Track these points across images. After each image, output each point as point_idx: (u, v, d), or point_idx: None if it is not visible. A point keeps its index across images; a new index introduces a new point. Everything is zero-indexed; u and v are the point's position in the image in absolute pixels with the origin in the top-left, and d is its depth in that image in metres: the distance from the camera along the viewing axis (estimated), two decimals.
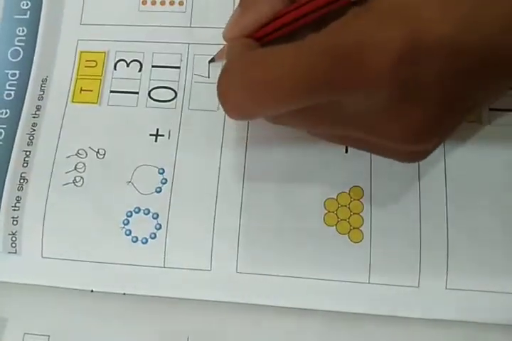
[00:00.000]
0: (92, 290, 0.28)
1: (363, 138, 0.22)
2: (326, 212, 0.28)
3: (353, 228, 0.28)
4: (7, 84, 0.32)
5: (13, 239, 0.29)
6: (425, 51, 0.18)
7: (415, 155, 0.23)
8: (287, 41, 0.21)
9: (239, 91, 0.20)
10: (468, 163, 0.28)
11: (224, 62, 0.25)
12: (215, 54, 0.30)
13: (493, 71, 0.20)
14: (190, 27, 0.31)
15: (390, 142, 0.21)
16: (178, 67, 0.31)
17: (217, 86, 0.21)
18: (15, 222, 0.29)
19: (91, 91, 0.31)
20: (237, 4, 0.25)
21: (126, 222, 0.29)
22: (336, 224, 0.28)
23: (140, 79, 0.31)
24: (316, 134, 0.26)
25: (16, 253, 0.29)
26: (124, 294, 0.28)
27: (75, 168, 0.30)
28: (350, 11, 0.20)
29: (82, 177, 0.30)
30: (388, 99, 0.19)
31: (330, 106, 0.20)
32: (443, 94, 0.19)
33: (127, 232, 0.29)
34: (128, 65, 0.31)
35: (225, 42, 0.25)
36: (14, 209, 0.29)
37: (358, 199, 0.28)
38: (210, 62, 0.30)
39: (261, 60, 0.19)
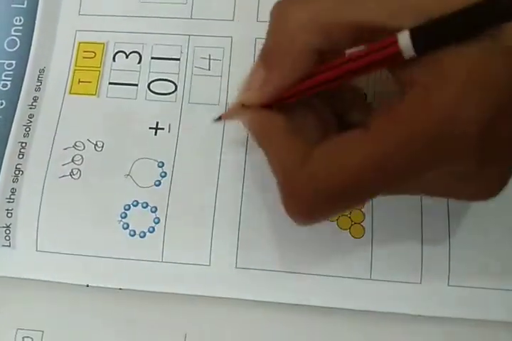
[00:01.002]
0: (87, 285, 0.28)
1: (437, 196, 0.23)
2: None
3: (354, 223, 0.27)
4: (3, 75, 0.31)
5: (7, 231, 0.28)
6: (506, 114, 0.18)
7: None
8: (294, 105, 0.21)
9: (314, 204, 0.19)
10: None
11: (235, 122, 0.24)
12: (222, 113, 0.25)
13: None
14: (191, 18, 0.31)
15: (466, 198, 0.22)
16: (178, 59, 0.30)
17: (284, 195, 0.20)
18: (9, 215, 0.29)
19: (89, 82, 0.31)
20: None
21: (123, 215, 0.28)
22: (337, 220, 0.28)
23: (139, 71, 0.31)
24: None
25: (9, 246, 0.28)
26: (120, 289, 0.28)
27: (72, 160, 0.29)
28: (415, 85, 0.18)
29: (79, 170, 0.29)
30: (471, 164, 0.19)
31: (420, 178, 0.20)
32: None
33: (125, 226, 0.28)
34: (127, 57, 0.31)
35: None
36: (9, 202, 0.29)
37: None
38: (215, 121, 0.25)
39: (346, 152, 0.19)
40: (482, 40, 0.17)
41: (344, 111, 0.24)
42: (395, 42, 0.18)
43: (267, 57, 0.21)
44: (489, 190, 0.21)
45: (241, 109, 0.23)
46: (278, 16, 0.21)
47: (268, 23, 0.21)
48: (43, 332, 0.28)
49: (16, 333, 0.28)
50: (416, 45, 0.17)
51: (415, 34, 0.17)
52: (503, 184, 0.21)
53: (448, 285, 0.26)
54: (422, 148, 0.18)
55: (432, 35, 0.17)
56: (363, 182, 0.19)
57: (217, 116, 0.25)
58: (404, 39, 0.17)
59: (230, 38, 0.30)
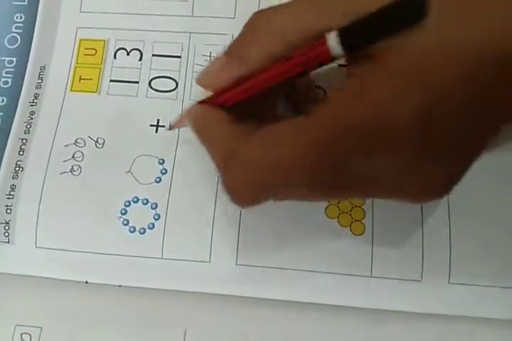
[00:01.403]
0: (86, 282, 0.27)
1: (378, 196, 0.22)
2: (328, 204, 0.28)
3: (355, 220, 0.27)
4: (4, 72, 0.31)
5: (6, 227, 0.28)
6: (447, 113, 0.18)
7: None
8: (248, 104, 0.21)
9: (256, 176, 0.19)
10: None
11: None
12: (173, 122, 0.28)
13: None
14: (192, 16, 0.31)
15: (408, 198, 0.21)
16: (179, 57, 0.30)
17: (224, 178, 0.20)
18: (9, 211, 0.28)
19: (90, 80, 0.31)
20: None
21: (123, 211, 0.28)
22: (337, 217, 0.27)
23: (140, 68, 0.31)
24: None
25: (8, 242, 0.28)
26: (120, 286, 0.27)
27: (73, 157, 0.29)
28: (353, 79, 0.19)
29: (79, 166, 0.29)
30: (406, 161, 0.19)
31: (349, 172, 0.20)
32: (466, 147, 0.19)
33: (125, 222, 0.28)
34: (128, 54, 0.31)
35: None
36: (8, 198, 0.29)
37: None
38: (169, 129, 0.29)
39: (275, 140, 0.19)
40: (417, 34, 0.17)
41: (299, 103, 0.25)
42: (325, 42, 0.19)
43: (232, 47, 0.22)
44: (430, 189, 0.20)
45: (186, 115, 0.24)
46: (254, 19, 0.22)
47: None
48: (41, 328, 0.27)
49: (15, 329, 0.27)
50: (344, 44, 0.18)
51: (342, 34, 0.18)
52: (446, 184, 0.20)
53: (448, 282, 0.26)
54: (353, 139, 0.18)
55: (358, 34, 0.18)
56: (294, 167, 0.19)
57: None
58: (332, 39, 0.18)
59: (231, 36, 0.30)
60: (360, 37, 0.18)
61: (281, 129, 0.19)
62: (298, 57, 0.20)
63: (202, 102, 0.23)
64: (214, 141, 0.22)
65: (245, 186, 0.20)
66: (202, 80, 0.23)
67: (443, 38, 0.17)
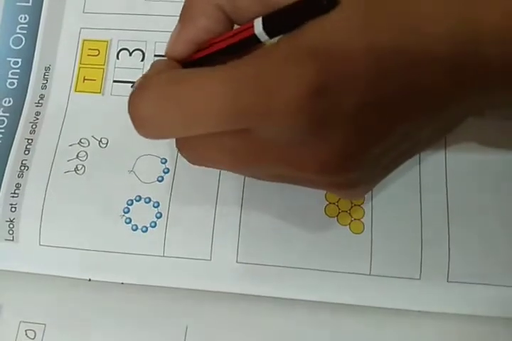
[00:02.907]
0: (89, 279, 0.28)
1: (286, 173, 0.22)
2: (327, 203, 0.28)
3: (354, 219, 0.28)
4: (10, 73, 0.31)
5: (11, 226, 0.29)
6: (336, 86, 0.18)
7: (342, 188, 0.22)
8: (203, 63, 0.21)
9: (151, 108, 0.19)
10: (468, 156, 0.28)
11: None
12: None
13: (419, 98, 0.19)
14: None
15: (306, 173, 0.21)
16: None
17: (129, 100, 0.20)
18: (13, 209, 0.29)
19: (94, 80, 0.31)
20: None
21: (126, 210, 0.29)
22: (337, 216, 0.28)
23: (143, 68, 0.31)
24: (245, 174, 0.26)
25: (13, 240, 0.29)
26: (122, 283, 0.28)
27: (77, 156, 0.30)
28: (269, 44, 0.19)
29: (83, 166, 0.30)
30: (299, 132, 0.19)
31: (246, 138, 0.20)
32: (355, 127, 0.19)
33: (127, 220, 0.28)
34: (130, 54, 0.31)
35: None
36: (13, 196, 0.29)
37: None
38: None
39: (177, 82, 0.19)
40: (334, 16, 0.18)
41: None
42: (252, 26, 0.20)
43: (183, 10, 0.23)
44: (322, 167, 0.20)
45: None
46: None
47: None
48: (45, 325, 0.28)
49: (19, 326, 0.28)
50: (267, 30, 0.19)
51: (265, 21, 0.19)
52: (337, 162, 0.19)
53: (447, 281, 0.26)
54: (246, 94, 0.18)
55: (278, 22, 0.19)
56: (197, 105, 0.18)
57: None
58: (257, 26, 0.20)
59: None
60: (280, 24, 0.19)
61: (190, 73, 0.19)
62: (229, 33, 0.21)
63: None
64: (150, 70, 0.22)
65: (142, 115, 0.20)
66: (170, 52, 0.23)
67: (359, 28, 0.18)
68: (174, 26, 0.23)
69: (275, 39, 0.20)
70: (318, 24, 0.18)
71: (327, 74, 0.17)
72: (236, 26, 0.22)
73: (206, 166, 0.23)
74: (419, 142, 0.22)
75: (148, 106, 0.19)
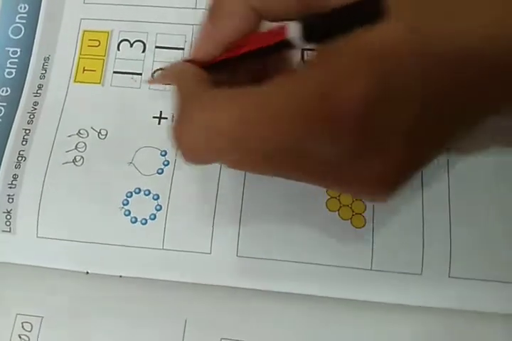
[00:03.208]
0: (87, 272, 0.28)
1: (327, 185, 0.22)
2: (329, 197, 0.28)
3: (356, 213, 0.27)
4: (8, 62, 0.31)
5: (8, 217, 0.28)
6: (395, 96, 0.17)
7: (381, 199, 0.22)
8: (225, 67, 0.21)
9: (196, 137, 0.19)
10: (470, 154, 0.28)
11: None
12: (153, 77, 0.30)
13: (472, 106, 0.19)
14: (195, 8, 0.31)
15: (353, 189, 0.20)
16: (183, 49, 0.31)
17: (173, 126, 0.20)
18: (10, 200, 0.29)
19: (94, 71, 0.31)
20: None
21: (125, 202, 0.28)
22: (338, 210, 0.28)
23: (143, 60, 0.31)
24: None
25: (10, 232, 0.28)
26: (121, 276, 0.28)
27: (76, 148, 0.29)
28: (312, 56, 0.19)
29: (82, 157, 0.29)
30: (351, 150, 0.18)
31: (289, 155, 0.19)
32: (415, 139, 0.18)
33: (126, 213, 0.28)
34: (131, 46, 0.31)
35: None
36: (10, 187, 0.29)
37: None
38: (148, 82, 0.30)
39: (222, 105, 0.19)
40: (381, 27, 0.17)
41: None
42: (285, 30, 0.19)
43: (211, 10, 0.22)
44: (367, 183, 0.19)
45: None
46: None
47: None
48: (42, 317, 0.28)
49: (16, 318, 0.28)
50: (305, 38, 0.19)
51: (304, 27, 0.19)
52: (383, 179, 0.19)
53: (449, 276, 0.26)
54: (297, 114, 0.17)
55: (319, 29, 0.19)
56: (228, 135, 0.18)
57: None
58: (293, 30, 0.19)
59: None
60: (321, 33, 0.18)
61: (222, 95, 0.19)
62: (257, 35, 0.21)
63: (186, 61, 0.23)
64: (181, 91, 0.21)
65: (186, 142, 0.20)
66: (197, 53, 0.23)
67: (409, 35, 0.17)
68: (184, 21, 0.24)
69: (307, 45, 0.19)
70: (369, 34, 0.17)
71: (385, 85, 0.17)
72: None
73: (241, 170, 0.23)
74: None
75: (194, 138, 0.19)
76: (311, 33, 0.19)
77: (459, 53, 0.17)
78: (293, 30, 0.19)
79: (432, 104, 0.18)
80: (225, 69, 0.23)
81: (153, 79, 0.29)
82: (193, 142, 0.19)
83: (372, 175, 0.19)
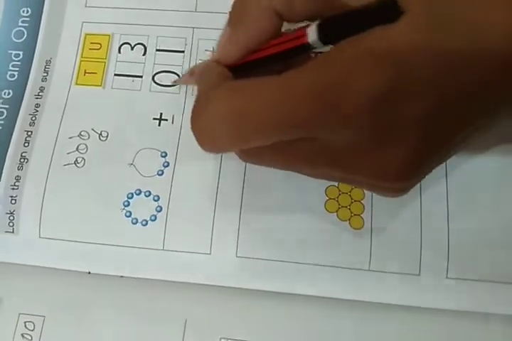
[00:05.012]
0: (89, 272, 0.28)
1: (341, 176, 0.22)
2: (327, 198, 0.28)
3: (354, 215, 0.28)
4: (10, 65, 0.31)
5: (11, 218, 0.29)
6: (405, 90, 0.18)
7: (395, 192, 0.22)
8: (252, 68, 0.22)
9: (216, 124, 0.19)
10: (469, 154, 0.28)
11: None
12: (181, 77, 0.30)
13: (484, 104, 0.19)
14: (195, 11, 0.31)
15: (368, 179, 0.21)
16: (183, 52, 0.31)
17: (191, 117, 0.20)
18: (13, 201, 0.29)
19: (95, 73, 0.31)
20: None
21: (126, 203, 0.29)
22: (336, 211, 0.28)
23: (144, 63, 0.31)
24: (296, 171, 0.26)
25: (13, 232, 0.29)
26: (122, 277, 0.28)
27: (77, 149, 0.30)
28: (332, 48, 0.19)
29: (83, 158, 0.30)
30: (365, 139, 0.19)
31: (305, 143, 0.20)
32: (425, 132, 0.19)
33: (127, 214, 0.28)
34: (132, 49, 0.31)
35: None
36: (13, 188, 0.29)
37: None
38: (173, 82, 0.30)
39: (242, 93, 0.19)
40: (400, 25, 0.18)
41: None
42: (305, 34, 0.20)
43: (233, 14, 0.22)
44: (384, 174, 0.20)
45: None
46: None
47: None
48: (44, 317, 0.28)
49: (18, 318, 0.28)
50: (321, 38, 0.20)
51: (321, 29, 0.20)
52: (401, 170, 0.19)
53: (446, 277, 0.27)
54: (313, 102, 0.18)
55: (336, 30, 0.19)
56: (263, 116, 0.19)
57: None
58: (312, 35, 0.20)
59: None
60: (337, 32, 0.19)
61: (250, 85, 0.19)
62: (276, 41, 0.21)
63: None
64: (205, 83, 0.22)
65: (206, 131, 0.20)
66: (222, 56, 0.23)
67: (424, 35, 0.17)
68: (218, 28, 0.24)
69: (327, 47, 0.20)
70: (383, 30, 0.18)
71: (396, 79, 0.17)
72: None
73: (257, 165, 0.23)
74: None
75: (212, 122, 0.19)
76: (329, 35, 0.19)
77: (478, 49, 0.17)
78: (312, 33, 0.19)
79: (446, 98, 0.18)
80: (246, 72, 0.23)
81: (179, 79, 0.30)
82: (215, 130, 0.19)
83: (388, 165, 0.19)
